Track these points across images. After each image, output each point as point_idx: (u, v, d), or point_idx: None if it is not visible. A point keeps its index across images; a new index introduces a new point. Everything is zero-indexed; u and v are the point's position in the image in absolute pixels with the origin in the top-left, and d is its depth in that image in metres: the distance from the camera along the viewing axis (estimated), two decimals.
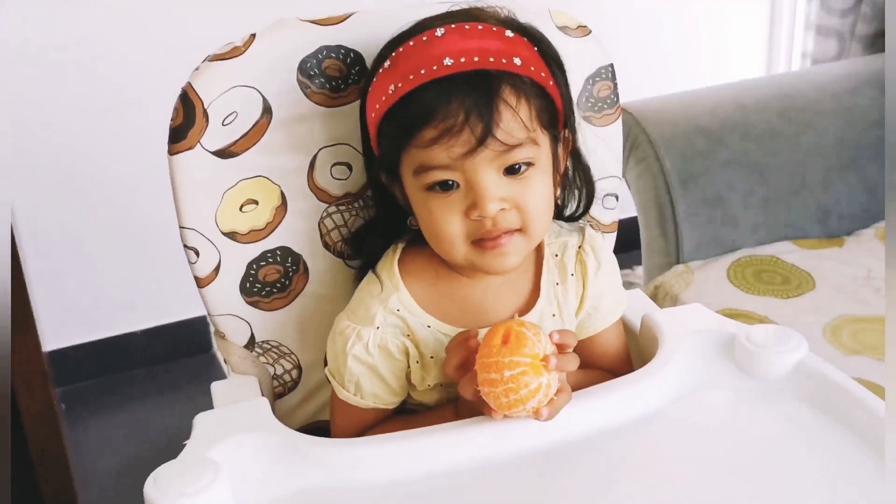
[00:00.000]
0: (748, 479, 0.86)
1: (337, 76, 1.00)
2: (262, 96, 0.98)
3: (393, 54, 0.91)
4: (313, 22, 1.00)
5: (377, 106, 0.90)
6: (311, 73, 1.00)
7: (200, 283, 1.01)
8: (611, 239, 1.15)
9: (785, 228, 1.80)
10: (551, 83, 0.91)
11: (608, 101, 1.10)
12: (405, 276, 0.96)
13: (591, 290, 1.00)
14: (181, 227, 0.99)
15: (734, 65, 2.60)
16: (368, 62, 1.01)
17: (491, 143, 0.85)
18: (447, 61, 0.85)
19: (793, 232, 1.80)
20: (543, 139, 0.90)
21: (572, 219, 1.04)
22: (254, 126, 0.99)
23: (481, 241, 0.89)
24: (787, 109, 1.84)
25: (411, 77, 0.86)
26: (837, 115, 1.85)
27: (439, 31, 0.88)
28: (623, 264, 2.59)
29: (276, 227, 1.02)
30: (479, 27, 0.89)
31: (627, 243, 2.01)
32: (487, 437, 0.89)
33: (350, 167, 1.03)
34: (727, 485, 0.85)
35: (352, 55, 1.01)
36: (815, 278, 1.68)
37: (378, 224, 1.02)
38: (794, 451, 0.89)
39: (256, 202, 1.00)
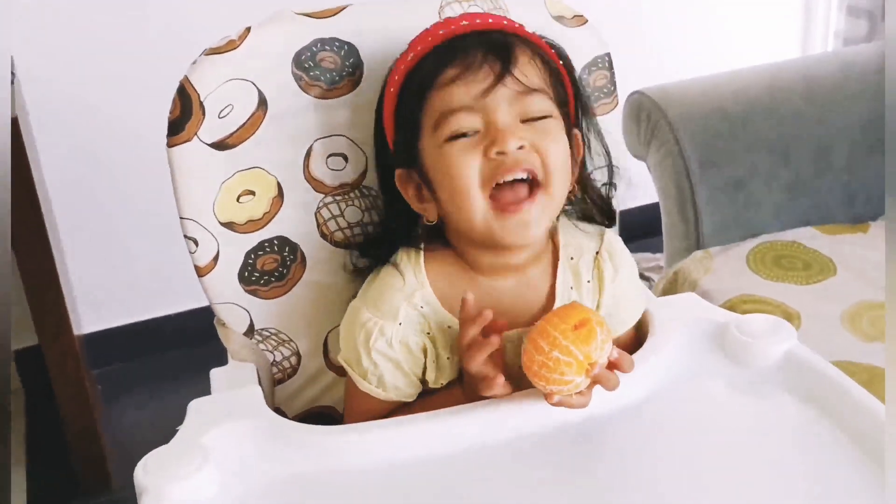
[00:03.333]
0: (735, 469, 0.86)
1: (332, 68, 1.02)
2: (258, 89, 1.00)
3: (420, 34, 0.96)
4: (308, 15, 1.02)
5: (396, 78, 0.95)
6: (307, 65, 1.01)
7: (200, 272, 1.03)
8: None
9: (809, 212, 1.78)
10: (560, 62, 0.97)
11: (605, 91, 1.10)
12: (430, 274, 0.97)
13: (608, 296, 1.00)
14: (181, 218, 1.01)
15: (769, 48, 2.56)
16: (363, 54, 1.02)
17: (509, 81, 0.89)
18: (463, 22, 0.93)
19: (817, 216, 1.78)
20: (556, 110, 0.93)
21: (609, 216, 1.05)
22: (249, 118, 1.00)
23: (501, 203, 0.90)
24: (813, 91, 1.81)
25: (430, 39, 0.92)
26: (864, 96, 1.81)
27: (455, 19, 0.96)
28: (647, 249, 2.57)
29: (273, 218, 1.04)
30: (493, 17, 0.97)
31: (651, 229, 2.02)
32: (473, 424, 0.90)
33: (346, 158, 1.04)
34: (714, 475, 0.86)
35: (346, 47, 1.02)
36: (837, 264, 1.66)
37: (391, 225, 1.02)
38: (781, 442, 0.89)
39: (253, 193, 1.02)
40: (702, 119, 1.77)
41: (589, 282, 0.99)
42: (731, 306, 1.54)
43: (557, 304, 0.98)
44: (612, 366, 0.87)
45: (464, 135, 0.90)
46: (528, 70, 0.90)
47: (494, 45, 0.90)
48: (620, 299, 1.01)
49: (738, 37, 2.56)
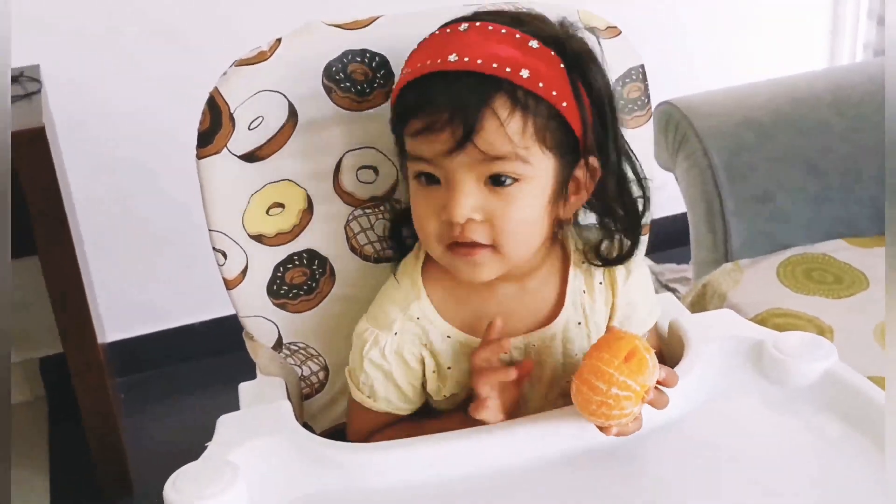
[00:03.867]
0: (774, 489, 0.84)
1: (362, 80, 1.01)
2: (288, 100, 0.99)
3: (423, 40, 0.91)
4: (338, 26, 1.01)
5: (396, 87, 0.91)
6: (337, 77, 1.00)
7: (228, 284, 1.02)
8: (643, 241, 1.13)
9: (838, 225, 1.75)
10: (565, 104, 0.86)
11: (639, 103, 1.09)
12: (428, 282, 0.96)
13: (622, 299, 0.98)
14: (210, 230, 1.00)
15: (797, 58, 2.54)
16: (394, 66, 1.01)
17: (470, 149, 0.84)
18: (452, 57, 0.85)
19: (846, 228, 1.76)
20: (541, 158, 0.87)
21: (616, 261, 0.98)
22: (279, 130, 1.00)
23: (454, 244, 0.89)
24: (841, 103, 1.80)
25: (419, 65, 0.87)
26: None
27: (463, 26, 0.89)
28: (673, 260, 2.55)
29: (302, 231, 1.03)
30: (503, 30, 0.87)
31: (678, 239, 2.00)
32: (501, 443, 0.89)
33: (376, 171, 1.03)
34: (750, 495, 0.84)
35: (377, 59, 1.01)
36: (869, 277, 1.64)
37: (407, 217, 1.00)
38: (817, 462, 0.88)
39: (283, 205, 1.01)
40: (730, 130, 1.75)
41: (601, 283, 0.98)
42: (761, 320, 1.52)
43: (566, 309, 0.96)
44: (659, 384, 0.87)
45: (429, 175, 0.88)
46: (495, 136, 0.84)
47: (466, 104, 0.83)
48: (635, 299, 1.00)
49: (766, 47, 2.54)
